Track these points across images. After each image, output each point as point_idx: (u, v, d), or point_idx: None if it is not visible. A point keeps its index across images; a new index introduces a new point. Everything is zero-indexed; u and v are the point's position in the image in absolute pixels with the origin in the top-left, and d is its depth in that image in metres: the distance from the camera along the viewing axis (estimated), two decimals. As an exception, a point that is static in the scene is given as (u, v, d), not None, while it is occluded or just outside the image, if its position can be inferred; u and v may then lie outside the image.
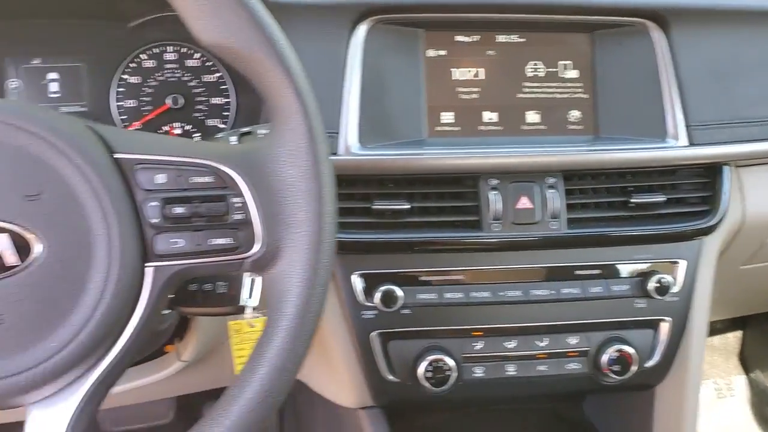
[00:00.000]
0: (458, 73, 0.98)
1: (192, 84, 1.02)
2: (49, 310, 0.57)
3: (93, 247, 0.57)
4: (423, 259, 0.95)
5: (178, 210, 0.60)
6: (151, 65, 1.01)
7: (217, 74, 1.03)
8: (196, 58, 1.02)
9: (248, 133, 0.77)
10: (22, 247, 0.56)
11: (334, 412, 1.11)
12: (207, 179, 0.61)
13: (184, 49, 1.02)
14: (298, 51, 0.63)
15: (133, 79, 1.01)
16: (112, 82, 1.00)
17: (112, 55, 1.00)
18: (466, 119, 0.98)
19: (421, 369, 0.94)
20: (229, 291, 0.82)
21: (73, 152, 0.58)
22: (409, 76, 0.96)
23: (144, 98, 1.01)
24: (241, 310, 0.81)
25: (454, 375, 0.94)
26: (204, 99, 1.03)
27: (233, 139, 0.77)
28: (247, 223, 0.62)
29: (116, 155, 0.60)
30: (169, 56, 1.01)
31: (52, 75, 0.98)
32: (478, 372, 0.97)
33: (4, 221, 0.56)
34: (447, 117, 0.98)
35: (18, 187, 0.56)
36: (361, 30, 0.94)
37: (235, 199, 0.61)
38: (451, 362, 0.94)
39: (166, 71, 1.01)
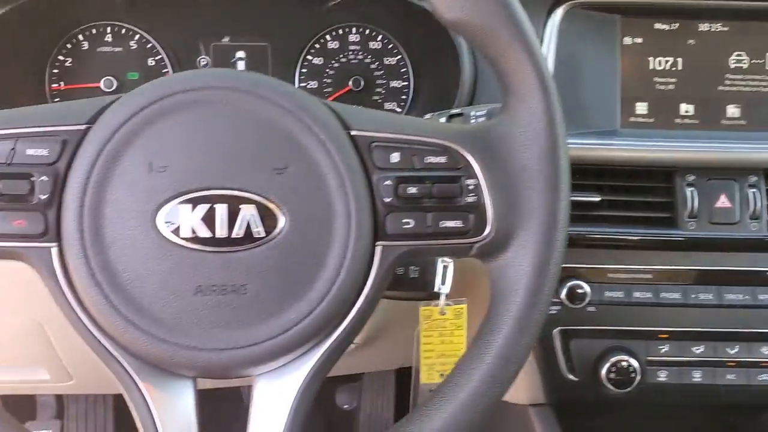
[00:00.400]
0: (655, 63, 0.93)
1: (373, 66, 1.02)
2: (289, 282, 0.57)
3: (333, 223, 0.57)
4: (609, 255, 0.91)
5: (412, 190, 0.59)
6: (335, 47, 1.01)
7: (398, 57, 1.02)
8: (378, 40, 1.01)
9: (458, 114, 0.75)
10: (267, 219, 0.56)
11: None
12: (441, 159, 0.60)
13: (367, 31, 1.01)
14: None
15: (317, 60, 1.01)
16: (297, 62, 1.00)
17: (297, 36, 1.00)
18: (662, 111, 0.93)
19: (605, 369, 0.90)
20: (421, 276, 0.81)
21: (318, 128, 0.57)
22: (604, 63, 0.92)
23: (326, 80, 1.01)
24: (434, 296, 0.80)
25: (637, 378, 0.90)
26: (383, 82, 1.02)
27: (442, 120, 0.76)
28: (478, 206, 0.60)
29: (352, 132, 0.59)
30: (353, 38, 1.01)
31: (240, 54, 1.00)
32: (662, 376, 0.92)
33: (253, 193, 0.56)
34: (641, 107, 0.93)
35: (267, 160, 0.56)
36: (557, 14, 0.90)
37: (468, 181, 0.60)
38: (635, 364, 0.90)
39: (349, 53, 1.01)
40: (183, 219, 0.55)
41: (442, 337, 0.81)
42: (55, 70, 0.96)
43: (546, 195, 0.59)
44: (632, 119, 0.93)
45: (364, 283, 0.59)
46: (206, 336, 0.56)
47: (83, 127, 0.56)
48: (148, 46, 0.98)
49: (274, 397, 0.60)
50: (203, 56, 0.99)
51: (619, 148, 0.90)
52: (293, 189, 0.57)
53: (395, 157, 0.59)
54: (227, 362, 0.56)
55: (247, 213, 0.56)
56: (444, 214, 0.59)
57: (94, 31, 0.97)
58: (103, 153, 0.55)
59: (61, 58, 0.96)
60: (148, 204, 0.55)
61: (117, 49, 0.97)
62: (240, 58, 1.00)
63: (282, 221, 0.56)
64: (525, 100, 0.60)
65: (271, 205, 0.56)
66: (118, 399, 1.51)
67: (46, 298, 0.91)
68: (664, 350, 0.92)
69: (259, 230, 0.56)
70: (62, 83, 0.96)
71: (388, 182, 0.59)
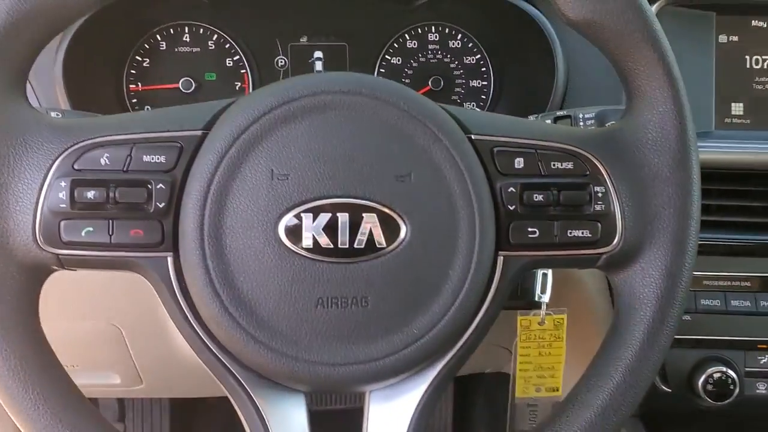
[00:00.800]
0: (752, 61, 0.90)
1: (452, 66, 0.99)
2: (411, 295, 0.54)
3: (456, 232, 0.54)
4: (705, 262, 0.88)
5: (538, 197, 0.56)
6: (414, 46, 0.99)
7: (478, 56, 0.99)
8: (458, 39, 0.99)
9: (564, 116, 0.72)
10: (389, 229, 0.54)
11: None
12: (567, 165, 0.57)
13: (447, 30, 0.98)
14: None
15: (395, 60, 0.99)
16: (376, 62, 0.98)
17: (376, 35, 0.98)
18: (760, 112, 0.90)
19: (701, 381, 0.87)
20: (521, 284, 0.78)
21: (441, 133, 0.55)
22: (698, 62, 0.89)
23: (405, 80, 0.99)
24: (535, 305, 0.77)
25: (736, 390, 0.87)
26: (462, 81, 0.99)
27: (548, 122, 0.73)
28: (607, 215, 0.57)
29: (473, 137, 0.57)
30: (432, 37, 0.99)
31: (318, 54, 0.98)
32: (762, 388, 0.89)
33: (375, 201, 0.53)
34: (737, 108, 0.90)
35: (390, 167, 0.54)
36: (651, 12, 0.87)
37: (596, 188, 0.57)
38: (734, 375, 0.87)
39: (428, 52, 0.99)
40: (304, 229, 0.53)
41: (540, 348, 0.79)
42: (133, 71, 0.95)
43: (678, 203, 0.56)
44: (727, 120, 0.90)
45: (486, 296, 0.56)
46: (326, 350, 0.54)
47: (199, 132, 0.54)
48: (227, 46, 0.96)
49: (392, 415, 0.57)
50: (281, 56, 0.97)
51: (714, 151, 0.87)
52: (415, 197, 0.54)
53: (519, 162, 0.56)
54: (346, 378, 0.54)
55: (369, 222, 0.53)
56: (571, 223, 0.57)
57: (171, 31, 0.95)
58: (224, 160, 0.53)
59: (138, 58, 0.95)
60: (269, 213, 0.53)
61: (195, 50, 0.95)
62: (318, 58, 0.97)
63: (404, 231, 0.54)
64: (654, 103, 0.57)
65: (393, 214, 0.54)
66: (174, 402, 1.51)
67: (127, 303, 0.90)
68: (763, 361, 0.89)
69: (380, 240, 0.53)
70: (140, 84, 0.95)
71: (512, 189, 0.56)
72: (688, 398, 0.88)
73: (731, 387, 0.86)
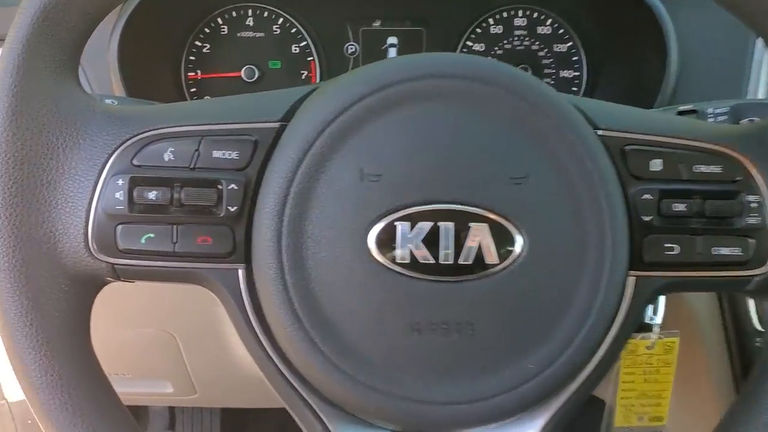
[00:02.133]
0: None
1: (541, 54, 0.89)
2: (527, 322, 0.45)
3: (583, 247, 0.45)
4: None
5: (678, 207, 0.46)
6: (498, 32, 0.89)
7: (569, 44, 0.89)
8: (547, 25, 0.89)
9: (689, 111, 0.62)
10: (502, 242, 0.45)
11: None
12: (714, 169, 0.47)
13: (535, 14, 0.89)
14: None
15: (478, 47, 0.89)
16: (456, 49, 0.89)
17: (456, 19, 0.89)
18: None
19: None
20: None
21: (567, 128, 0.45)
22: None
23: (487, 69, 0.89)
24: (645, 327, 0.67)
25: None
26: (552, 71, 0.90)
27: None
28: (762, 230, 0.47)
29: (600, 132, 0.47)
30: (519, 22, 0.89)
31: (392, 39, 0.89)
32: None
33: (485, 208, 0.44)
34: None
35: (504, 167, 0.45)
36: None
37: (748, 197, 0.47)
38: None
39: (514, 39, 0.89)
40: (400, 240, 0.44)
41: (645, 375, 0.69)
42: (192, 57, 0.87)
43: None
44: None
45: (612, 323, 0.47)
46: (422, 385, 0.45)
47: (276, 125, 0.46)
48: (293, 31, 0.88)
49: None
50: (351, 42, 0.89)
51: None
52: (535, 204, 0.45)
53: (656, 164, 0.47)
54: (444, 419, 0.45)
55: (478, 234, 0.44)
56: (717, 239, 0.47)
57: (234, 14, 0.87)
58: (306, 158, 0.44)
59: (198, 43, 0.87)
60: (358, 221, 0.44)
61: (258, 35, 0.87)
62: (392, 45, 0.89)
63: (520, 244, 0.45)
64: None
65: (507, 224, 0.45)
66: (225, 409, 1.44)
67: (183, 311, 0.83)
68: None
69: (491, 255, 0.44)
70: (199, 71, 0.87)
71: (647, 196, 0.47)
72: None
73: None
